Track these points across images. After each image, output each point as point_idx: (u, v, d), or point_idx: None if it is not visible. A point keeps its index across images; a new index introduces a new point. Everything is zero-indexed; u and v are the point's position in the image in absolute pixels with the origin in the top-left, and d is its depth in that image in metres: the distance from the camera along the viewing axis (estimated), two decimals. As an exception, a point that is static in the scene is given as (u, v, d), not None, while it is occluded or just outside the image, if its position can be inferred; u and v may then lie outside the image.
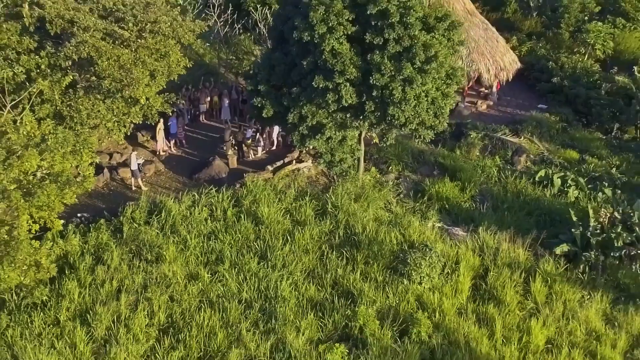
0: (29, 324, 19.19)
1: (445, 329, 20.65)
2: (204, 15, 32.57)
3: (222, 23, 32.79)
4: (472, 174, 28.37)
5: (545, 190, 28.34)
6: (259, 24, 32.05)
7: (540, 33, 44.93)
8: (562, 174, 28.98)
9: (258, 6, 32.41)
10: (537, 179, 28.73)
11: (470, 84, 35.25)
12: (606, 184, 29.03)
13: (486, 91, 36.62)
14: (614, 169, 30.97)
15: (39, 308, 19.74)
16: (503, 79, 35.20)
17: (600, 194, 28.19)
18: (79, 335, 18.87)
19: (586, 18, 44.96)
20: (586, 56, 40.68)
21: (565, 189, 28.27)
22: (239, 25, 33.26)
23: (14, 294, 19.61)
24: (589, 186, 28.84)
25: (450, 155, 29.92)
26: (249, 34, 33.73)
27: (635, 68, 34.81)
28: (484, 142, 30.96)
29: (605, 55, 40.96)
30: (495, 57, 34.33)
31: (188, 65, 24.12)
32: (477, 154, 30.51)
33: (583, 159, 31.59)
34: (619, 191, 28.75)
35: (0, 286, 17.83)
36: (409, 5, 22.92)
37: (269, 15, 32.02)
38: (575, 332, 21.44)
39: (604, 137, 34.72)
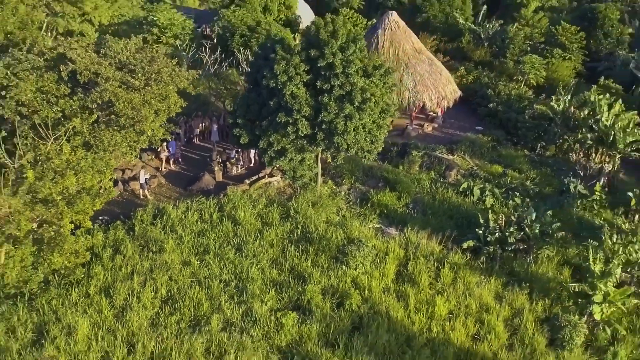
0: (67, 296, 27.00)
1: (372, 302, 28.39)
2: (198, 55, 40.45)
3: (212, 61, 40.61)
4: (408, 186, 36.14)
5: (467, 198, 36.10)
6: (242, 63, 39.85)
7: (489, 62, 52.74)
8: (482, 185, 36.70)
9: (241, 48, 40.25)
10: (460, 189, 36.47)
11: (417, 110, 43.03)
12: (518, 194, 36.74)
13: (432, 115, 44.38)
14: (529, 181, 38.67)
15: (73, 285, 27.56)
16: (444, 106, 42.94)
17: (511, 201, 35.89)
18: (103, 304, 26.66)
19: (529, 49, 52.79)
20: (522, 84, 48.45)
21: (484, 198, 35.98)
22: (226, 63, 41.09)
23: (56, 275, 27.43)
24: (504, 195, 36.55)
25: (393, 170, 37.73)
26: (234, 69, 41.54)
27: (554, 97, 42.49)
28: (423, 159, 38.72)
29: (538, 83, 48.71)
30: (437, 88, 42.07)
31: (183, 105, 31.90)
32: (417, 169, 38.25)
33: (505, 173, 39.30)
34: (528, 200, 36.46)
35: (50, 267, 25.63)
36: (350, 59, 30.71)
37: (249, 55, 39.84)
38: (470, 306, 29.16)
39: (529, 154, 42.43)
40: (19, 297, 26.83)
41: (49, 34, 42.14)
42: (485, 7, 59.18)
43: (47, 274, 27.15)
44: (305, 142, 31.69)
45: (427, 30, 55.72)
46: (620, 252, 30.05)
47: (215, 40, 49.48)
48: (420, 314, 28.29)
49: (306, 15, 58.47)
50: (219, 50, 40.78)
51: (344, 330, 26.94)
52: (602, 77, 49.22)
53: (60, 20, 40.97)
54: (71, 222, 27.03)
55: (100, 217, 30.83)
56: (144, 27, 43.77)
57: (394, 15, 43.27)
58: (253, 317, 26.83)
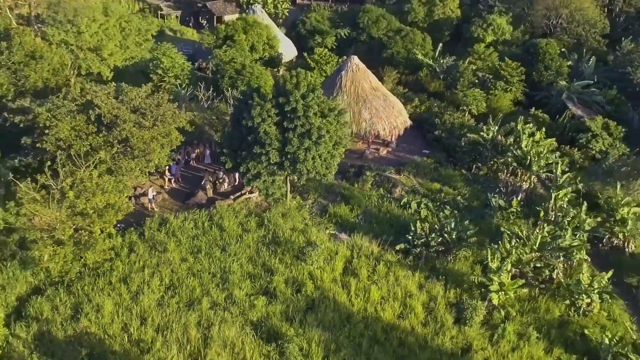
0: (96, 284, 36.98)
1: (322, 289, 38.34)
2: (194, 92, 50.57)
3: (206, 97, 50.66)
4: (360, 200, 46.13)
5: (406, 210, 46.03)
6: (229, 99, 49.86)
7: (442, 93, 62.75)
8: (419, 200, 46.64)
9: (229, 88, 50.28)
10: (402, 203, 46.41)
11: (373, 137, 53.04)
12: (449, 207, 46.63)
13: (388, 140, 54.36)
14: (460, 196, 48.58)
15: (100, 276, 37.53)
16: (396, 134, 52.93)
17: (442, 213, 45.80)
18: (122, 289, 36.64)
19: (477, 81, 62.79)
20: (467, 113, 58.44)
21: (419, 210, 45.91)
22: (217, 100, 51.13)
23: (87, 268, 37.41)
24: (437, 208, 46.44)
25: (349, 187, 47.73)
26: (224, 103, 51.52)
27: (484, 127, 52.45)
28: (374, 179, 48.69)
29: (480, 112, 58.70)
30: (390, 120, 52.08)
31: (182, 139, 41.91)
32: (369, 186, 48.22)
33: (441, 190, 49.21)
34: (456, 211, 46.35)
35: (84, 262, 35.64)
36: (309, 104, 40.73)
37: (236, 93, 49.87)
38: (398, 293, 39.09)
39: (465, 174, 52.35)
40: (59, 284, 36.88)
41: (73, 72, 52.21)
42: (441, 44, 69.21)
43: (81, 267, 37.20)
44: (275, 168, 41.68)
45: (392, 64, 65.93)
46: (513, 253, 40.01)
47: (209, 74, 59.55)
48: (359, 299, 38.26)
49: (289, 51, 68.67)
50: (211, 88, 50.96)
51: (300, 309, 36.90)
52: (533, 108, 59.26)
53: (83, 64, 50.98)
54: (100, 229, 37.07)
55: (118, 225, 40.80)
56: (150, 68, 53.87)
57: (355, 60, 53.42)
58: (233, 300, 36.83)
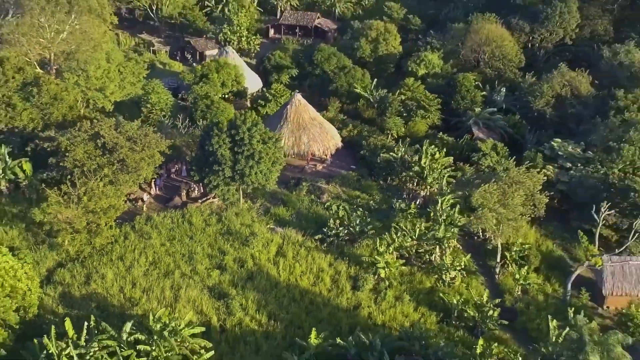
0: (101, 260, 54.45)
1: (259, 266, 55.77)
2: (173, 122, 68.24)
3: (184, 126, 68.34)
4: (295, 204, 63.61)
5: (328, 211, 63.35)
6: (200, 127, 67.48)
7: (374, 119, 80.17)
8: (339, 203, 64.01)
9: (201, 119, 67.96)
10: (326, 206, 63.82)
11: (310, 156, 70.50)
12: (362, 209, 63.90)
13: (324, 158, 71.78)
14: (372, 201, 65.93)
15: (104, 255, 54.98)
16: (330, 153, 70.42)
17: (355, 213, 63.10)
18: (119, 264, 54.19)
19: (401, 109, 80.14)
20: (389, 136, 75.89)
21: (338, 211, 63.25)
22: (193, 127, 68.75)
23: (95, 249, 54.87)
24: (352, 209, 63.71)
25: (288, 194, 65.21)
26: (197, 129, 69.02)
27: (396, 149, 69.78)
28: (308, 188, 66.10)
29: (400, 136, 76.10)
30: (323, 142, 69.67)
31: (163, 160, 59.42)
32: (304, 193, 65.62)
33: (359, 196, 66.58)
34: (367, 212, 63.63)
35: (93, 245, 53.23)
36: (253, 135, 58.23)
37: (206, 123, 67.33)
38: (313, 269, 56.47)
39: (381, 184, 69.60)
40: (76, 260, 54.34)
41: (83, 105, 69.78)
42: (376, 79, 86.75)
43: (91, 249, 54.66)
44: (229, 180, 59.17)
45: (337, 95, 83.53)
46: (396, 241, 57.41)
47: (189, 103, 77.16)
48: (285, 272, 55.69)
49: (255, 84, 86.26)
50: (188, 118, 68.80)
51: (242, 279, 54.36)
52: (441, 132, 76.77)
53: (91, 100, 68.60)
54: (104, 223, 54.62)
55: (117, 220, 58.16)
56: (142, 102, 71.46)
57: (298, 96, 71.13)
58: (196, 271, 54.35)
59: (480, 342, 49.74)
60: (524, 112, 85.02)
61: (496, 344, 50.15)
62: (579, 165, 70.46)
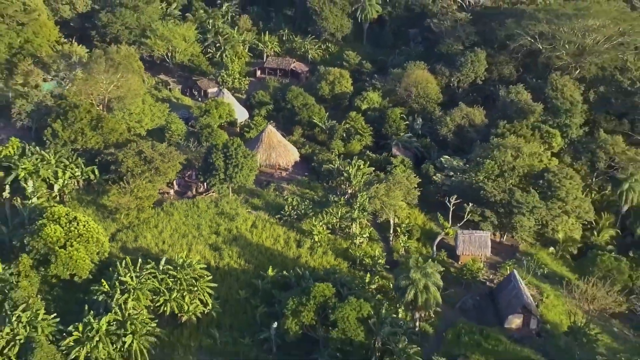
0: (143, 227, 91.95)
1: (240, 232, 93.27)
2: (186, 143, 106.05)
3: (194, 146, 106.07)
4: (265, 196, 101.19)
5: (286, 202, 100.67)
6: (204, 147, 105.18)
7: (325, 142, 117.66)
8: (294, 197, 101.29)
9: (205, 141, 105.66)
10: (285, 198, 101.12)
11: (278, 166, 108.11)
12: (309, 200, 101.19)
13: (287, 167, 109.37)
14: (316, 196, 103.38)
15: (145, 224, 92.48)
16: (290, 165, 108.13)
17: (304, 204, 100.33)
18: (154, 230, 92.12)
19: (344, 135, 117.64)
20: (333, 153, 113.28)
21: (293, 202, 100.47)
22: (200, 147, 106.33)
23: (139, 221, 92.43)
24: (303, 202, 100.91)
25: (261, 191, 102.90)
26: (202, 149, 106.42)
27: (335, 162, 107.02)
28: (275, 187, 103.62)
29: (341, 153, 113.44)
30: (286, 157, 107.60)
31: (180, 168, 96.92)
32: (272, 191, 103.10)
33: (308, 192, 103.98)
34: (312, 202, 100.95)
35: (139, 218, 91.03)
36: (238, 152, 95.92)
37: (207, 144, 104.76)
38: (273, 235, 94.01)
39: (325, 186, 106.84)
40: (128, 228, 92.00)
41: (128, 131, 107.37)
42: (327, 113, 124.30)
43: (138, 221, 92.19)
44: (222, 180, 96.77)
45: (300, 124, 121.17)
46: (324, 219, 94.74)
47: (197, 130, 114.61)
48: (256, 237, 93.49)
49: (242, 115, 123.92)
50: (196, 140, 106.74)
51: (229, 240, 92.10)
52: (368, 151, 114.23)
53: (132, 128, 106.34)
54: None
55: (152, 204, 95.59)
56: (166, 129, 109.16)
57: (269, 127, 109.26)
58: (201, 235, 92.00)
59: (369, 276, 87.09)
60: (434, 136, 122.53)
61: (378, 277, 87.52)
62: (458, 174, 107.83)
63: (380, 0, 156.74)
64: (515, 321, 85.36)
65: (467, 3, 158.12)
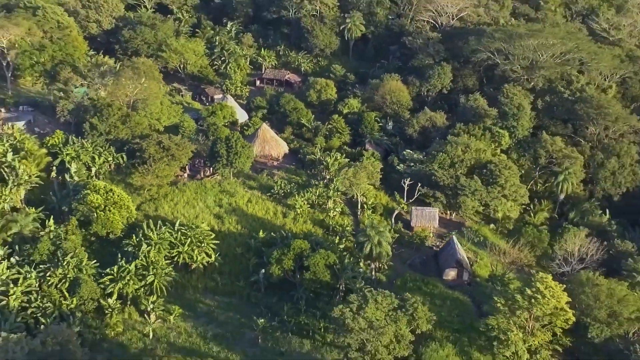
0: (162, 201, 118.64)
1: (239, 206, 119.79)
2: (196, 137, 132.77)
3: (202, 140, 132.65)
4: (260, 180, 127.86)
5: (276, 184, 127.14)
6: (210, 140, 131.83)
7: (311, 139, 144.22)
8: (282, 180, 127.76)
9: (211, 136, 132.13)
10: (275, 181, 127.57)
11: (270, 156, 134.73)
12: (294, 182, 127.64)
13: (278, 157, 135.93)
14: (300, 180, 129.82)
15: (163, 199, 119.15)
16: (281, 155, 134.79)
17: (290, 185, 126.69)
18: (170, 203, 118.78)
19: (327, 133, 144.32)
20: (316, 148, 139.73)
21: (281, 184, 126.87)
22: (206, 140, 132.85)
23: (159, 195, 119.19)
24: (289, 184, 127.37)
25: (257, 176, 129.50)
26: (209, 142, 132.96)
27: (316, 154, 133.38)
28: (267, 172, 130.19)
29: (324, 148, 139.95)
30: (277, 150, 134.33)
31: (191, 155, 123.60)
32: (265, 175, 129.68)
33: (294, 178, 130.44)
34: (297, 185, 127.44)
35: (159, 192, 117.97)
36: (237, 144, 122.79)
37: (212, 138, 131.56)
38: (265, 207, 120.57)
39: (308, 172, 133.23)
40: (150, 200, 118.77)
41: (149, 127, 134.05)
42: (313, 116, 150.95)
43: (158, 195, 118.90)
44: (225, 166, 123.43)
45: (291, 124, 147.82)
46: (306, 196, 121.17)
47: (205, 127, 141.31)
48: (251, 209, 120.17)
49: (242, 117, 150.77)
50: (205, 135, 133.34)
51: (230, 211, 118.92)
52: (346, 146, 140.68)
53: (153, 125, 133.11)
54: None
55: (169, 183, 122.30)
56: (180, 126, 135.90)
57: (264, 125, 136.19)
58: (207, 206, 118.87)
59: (338, 238, 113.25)
60: (402, 136, 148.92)
61: (345, 240, 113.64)
62: (417, 164, 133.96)
63: (364, 21, 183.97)
64: (450, 273, 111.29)
65: (439, 23, 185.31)
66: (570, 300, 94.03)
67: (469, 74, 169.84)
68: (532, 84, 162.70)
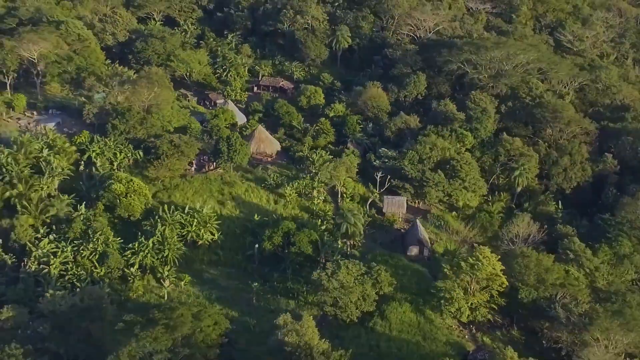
0: (174, 190, 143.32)
1: (238, 194, 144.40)
2: (202, 137, 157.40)
3: (207, 139, 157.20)
4: (255, 173, 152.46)
5: (269, 176, 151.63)
6: (213, 139, 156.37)
7: (300, 139, 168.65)
8: (274, 173, 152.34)
9: (214, 136, 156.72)
10: (269, 174, 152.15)
11: (265, 153, 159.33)
12: (284, 175, 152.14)
13: (271, 155, 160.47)
14: (289, 172, 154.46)
15: (175, 189, 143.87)
16: (274, 153, 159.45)
17: (281, 177, 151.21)
18: (181, 191, 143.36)
19: (315, 133, 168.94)
20: (305, 146, 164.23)
21: (270, 174, 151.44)
22: (210, 139, 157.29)
23: (171, 185, 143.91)
24: (280, 175, 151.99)
25: (252, 169, 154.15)
26: (212, 141, 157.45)
27: (304, 151, 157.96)
28: (262, 167, 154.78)
29: (311, 146, 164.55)
30: (271, 148, 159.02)
31: (198, 152, 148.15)
32: (260, 169, 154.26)
33: (285, 171, 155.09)
34: (286, 177, 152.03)
35: (171, 183, 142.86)
36: (236, 141, 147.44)
37: (215, 137, 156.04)
38: (258, 195, 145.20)
39: (297, 167, 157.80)
40: (164, 189, 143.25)
41: (162, 128, 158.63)
42: (303, 119, 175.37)
43: (170, 185, 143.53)
44: (226, 161, 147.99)
45: (283, 126, 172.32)
46: (294, 186, 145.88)
47: (209, 129, 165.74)
48: (248, 197, 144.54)
49: (241, 119, 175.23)
50: (209, 135, 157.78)
51: (230, 199, 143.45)
52: (330, 145, 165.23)
53: (164, 126, 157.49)
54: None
55: (178, 175, 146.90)
56: (187, 128, 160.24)
57: (260, 127, 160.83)
58: (212, 195, 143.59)
59: (320, 221, 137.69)
60: (381, 136, 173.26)
61: (327, 222, 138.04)
62: (391, 160, 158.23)
63: (350, 34, 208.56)
64: (413, 250, 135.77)
65: (417, 36, 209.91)
66: (504, 268, 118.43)
67: (441, 82, 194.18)
68: (498, 90, 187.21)
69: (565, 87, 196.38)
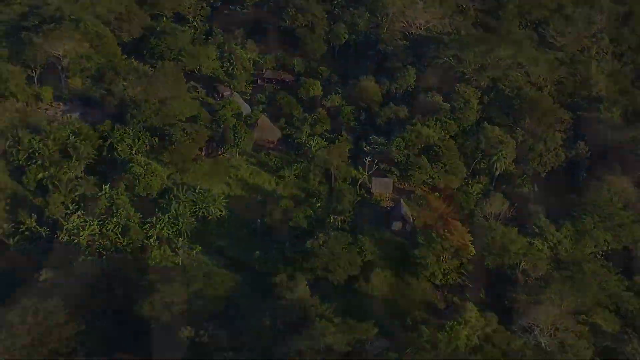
0: (186, 172, 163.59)
1: (243, 177, 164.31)
2: (211, 125, 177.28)
3: (215, 127, 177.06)
4: (258, 157, 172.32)
5: (271, 160, 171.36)
6: (222, 127, 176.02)
7: (300, 127, 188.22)
8: (275, 158, 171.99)
9: (222, 124, 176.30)
10: (271, 160, 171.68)
11: (267, 140, 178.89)
12: (284, 161, 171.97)
13: (272, 141, 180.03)
14: (289, 159, 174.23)
15: (188, 170, 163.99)
16: (276, 139, 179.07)
17: (281, 162, 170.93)
18: (194, 173, 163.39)
19: (312, 123, 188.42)
20: (303, 134, 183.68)
21: (275, 161, 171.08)
22: (218, 127, 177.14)
23: (185, 168, 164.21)
24: (278, 160, 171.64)
25: (255, 154, 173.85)
26: (220, 129, 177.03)
27: (302, 137, 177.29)
28: (264, 152, 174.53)
29: (308, 134, 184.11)
30: (273, 135, 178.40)
31: (207, 139, 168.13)
32: (264, 154, 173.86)
33: (284, 156, 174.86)
34: (284, 161, 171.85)
35: (184, 167, 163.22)
36: (241, 129, 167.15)
37: (223, 126, 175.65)
38: (261, 177, 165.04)
39: (296, 153, 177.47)
40: (177, 172, 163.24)
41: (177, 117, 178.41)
42: (302, 109, 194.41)
43: (183, 168, 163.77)
44: (232, 146, 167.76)
45: (284, 115, 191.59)
46: (292, 170, 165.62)
47: (217, 118, 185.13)
48: (251, 179, 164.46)
49: (246, 109, 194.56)
50: (217, 124, 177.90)
51: (236, 180, 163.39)
52: (326, 132, 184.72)
53: (176, 116, 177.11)
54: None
55: (189, 160, 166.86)
56: (198, 117, 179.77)
57: (262, 116, 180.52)
58: (220, 177, 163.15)
59: (315, 199, 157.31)
60: (373, 125, 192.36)
61: (320, 200, 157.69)
62: (380, 146, 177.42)
63: (347, 30, 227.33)
64: (397, 225, 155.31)
65: (409, 33, 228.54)
66: (472, 239, 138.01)
67: (429, 75, 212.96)
68: (481, 83, 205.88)
69: (544, 80, 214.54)
